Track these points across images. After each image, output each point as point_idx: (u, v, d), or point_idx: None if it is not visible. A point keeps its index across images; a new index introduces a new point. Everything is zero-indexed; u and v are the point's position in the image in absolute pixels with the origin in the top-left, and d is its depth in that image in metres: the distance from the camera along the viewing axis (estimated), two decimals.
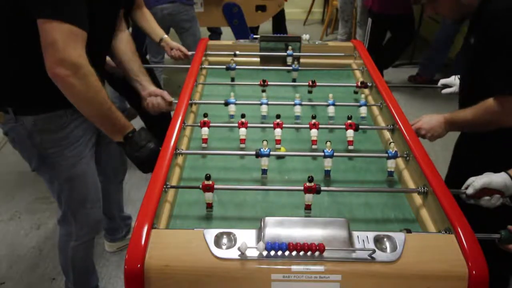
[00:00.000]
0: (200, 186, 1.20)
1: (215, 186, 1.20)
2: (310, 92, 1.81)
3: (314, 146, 1.49)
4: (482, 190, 1.21)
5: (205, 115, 1.52)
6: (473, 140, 1.57)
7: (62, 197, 1.64)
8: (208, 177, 1.20)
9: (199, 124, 1.50)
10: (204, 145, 1.50)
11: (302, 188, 1.19)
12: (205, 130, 1.50)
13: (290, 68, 1.96)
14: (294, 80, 1.94)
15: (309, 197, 1.20)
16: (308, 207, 1.22)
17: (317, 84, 1.77)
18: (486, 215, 1.28)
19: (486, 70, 1.40)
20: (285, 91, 1.89)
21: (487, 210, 1.26)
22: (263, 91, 1.78)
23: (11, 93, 1.44)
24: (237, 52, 2.03)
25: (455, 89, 1.76)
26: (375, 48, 3.87)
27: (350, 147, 1.50)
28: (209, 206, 1.23)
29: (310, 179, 1.18)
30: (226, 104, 1.64)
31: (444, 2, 1.40)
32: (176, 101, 1.60)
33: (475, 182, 1.22)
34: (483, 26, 1.38)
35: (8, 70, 1.40)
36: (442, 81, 1.83)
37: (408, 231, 1.05)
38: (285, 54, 2.03)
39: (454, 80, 1.78)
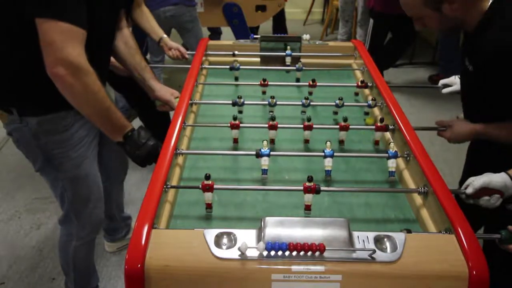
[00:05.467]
0: (200, 186, 1.20)
1: (215, 186, 1.20)
2: (310, 93, 1.80)
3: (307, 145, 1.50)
4: (482, 190, 1.21)
5: (235, 118, 1.50)
6: (488, 147, 1.56)
7: (66, 197, 1.64)
8: (207, 177, 1.19)
9: (199, 124, 1.50)
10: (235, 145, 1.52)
11: (302, 188, 1.18)
12: (235, 132, 1.51)
13: (290, 68, 1.96)
14: (298, 80, 1.93)
15: (308, 197, 1.20)
16: (308, 208, 1.21)
17: (318, 84, 1.77)
18: (487, 216, 1.28)
19: (501, 100, 1.38)
20: (286, 91, 1.89)
21: (486, 210, 1.26)
22: (263, 92, 1.78)
23: (15, 94, 1.44)
24: (236, 52, 2.04)
25: (455, 88, 1.76)
26: (376, 48, 3.87)
27: (341, 146, 1.52)
28: (209, 206, 1.22)
29: (310, 179, 1.18)
30: (234, 104, 1.63)
31: (430, 18, 1.38)
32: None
33: (475, 182, 1.22)
34: (485, 57, 1.34)
35: (12, 71, 1.40)
36: (442, 81, 1.83)
37: (408, 231, 1.05)
38: (284, 54, 2.03)
39: (454, 79, 1.78)
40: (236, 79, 1.93)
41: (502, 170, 1.23)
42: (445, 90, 1.80)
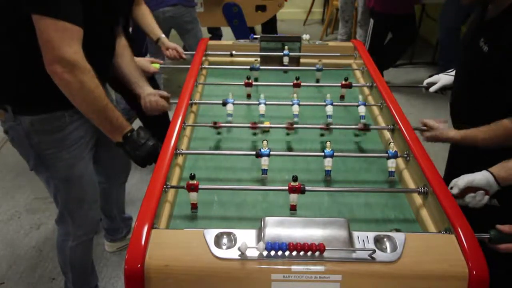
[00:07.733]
0: (185, 186, 1.19)
1: (218, 186, 1.19)
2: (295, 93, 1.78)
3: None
4: (467, 189, 1.23)
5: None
6: (467, 147, 1.55)
7: (59, 198, 1.64)
8: (192, 177, 1.18)
9: (199, 124, 1.50)
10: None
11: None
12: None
13: (287, 68, 1.97)
14: (317, 81, 1.92)
15: (293, 197, 1.19)
16: (293, 208, 1.21)
17: (320, 84, 1.77)
18: (486, 216, 1.27)
19: (507, 87, 1.37)
20: (285, 90, 1.88)
21: (485, 210, 1.26)
22: (248, 95, 1.77)
23: (10, 91, 1.44)
24: (234, 52, 2.04)
25: (441, 83, 1.76)
26: (376, 48, 3.87)
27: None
28: (194, 207, 1.22)
29: (295, 179, 1.17)
30: (224, 104, 1.63)
31: None
32: (176, 101, 1.60)
33: (459, 182, 1.24)
34: (509, 39, 1.33)
35: (7, 68, 1.40)
36: (427, 80, 1.83)
37: (398, 230, 1.05)
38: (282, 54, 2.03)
39: (438, 76, 1.78)
40: (256, 79, 1.89)
41: (483, 169, 1.25)
42: (432, 89, 1.79)
